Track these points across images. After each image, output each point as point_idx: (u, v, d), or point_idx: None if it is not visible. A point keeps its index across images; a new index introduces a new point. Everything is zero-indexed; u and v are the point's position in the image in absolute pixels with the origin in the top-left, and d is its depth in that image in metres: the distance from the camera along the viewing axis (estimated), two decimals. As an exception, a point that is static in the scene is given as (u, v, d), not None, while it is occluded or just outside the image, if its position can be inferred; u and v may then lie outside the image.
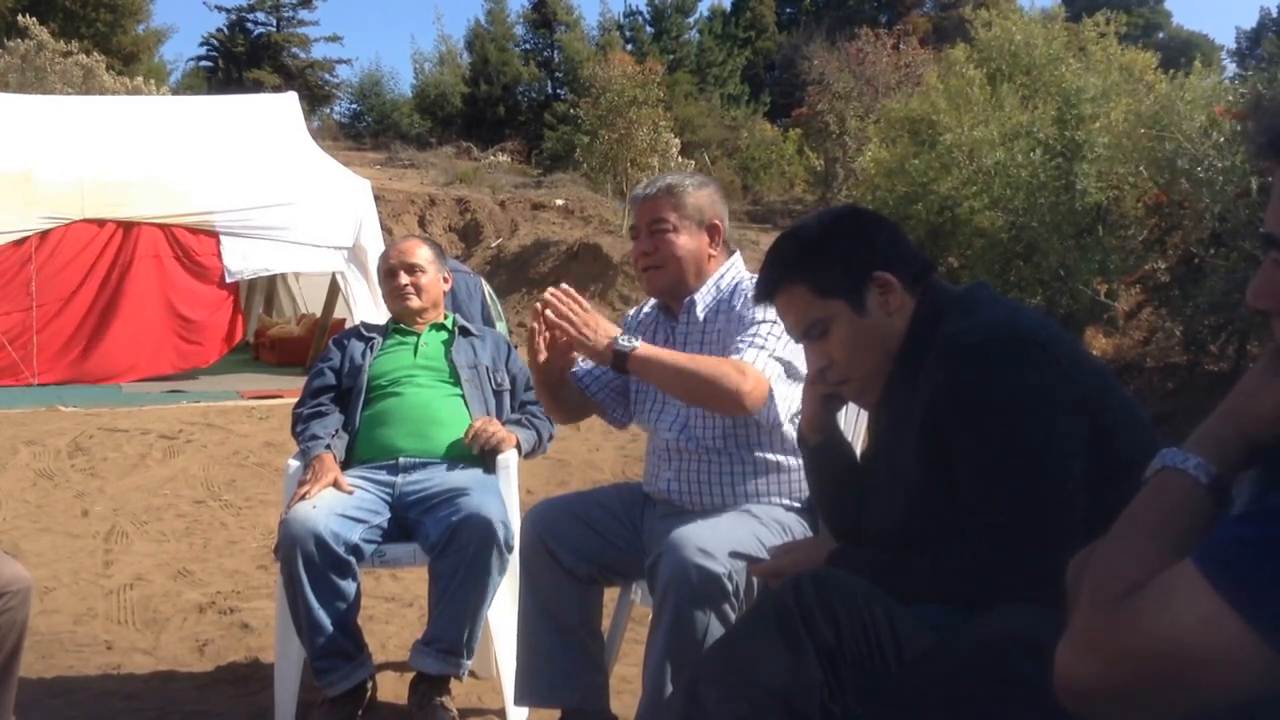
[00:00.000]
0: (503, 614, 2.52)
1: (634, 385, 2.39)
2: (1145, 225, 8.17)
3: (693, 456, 2.22)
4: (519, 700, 2.30)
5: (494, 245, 17.87)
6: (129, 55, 26.40)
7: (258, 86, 26.62)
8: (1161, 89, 8.82)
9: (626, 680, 2.62)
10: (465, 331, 2.99)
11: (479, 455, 2.70)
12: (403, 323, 2.98)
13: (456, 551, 2.39)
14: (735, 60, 32.73)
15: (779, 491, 2.18)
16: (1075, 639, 0.94)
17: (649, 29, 33.71)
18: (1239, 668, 0.84)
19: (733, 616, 1.85)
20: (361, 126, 31.50)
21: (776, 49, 33.38)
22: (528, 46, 33.47)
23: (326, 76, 34.96)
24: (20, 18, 20.61)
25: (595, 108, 18.28)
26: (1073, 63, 10.20)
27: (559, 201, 19.30)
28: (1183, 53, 18.68)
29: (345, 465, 2.69)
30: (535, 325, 2.09)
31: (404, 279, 2.92)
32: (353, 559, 2.43)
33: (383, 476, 2.65)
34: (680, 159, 18.35)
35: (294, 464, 2.69)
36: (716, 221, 2.29)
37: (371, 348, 2.92)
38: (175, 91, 24.51)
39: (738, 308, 2.21)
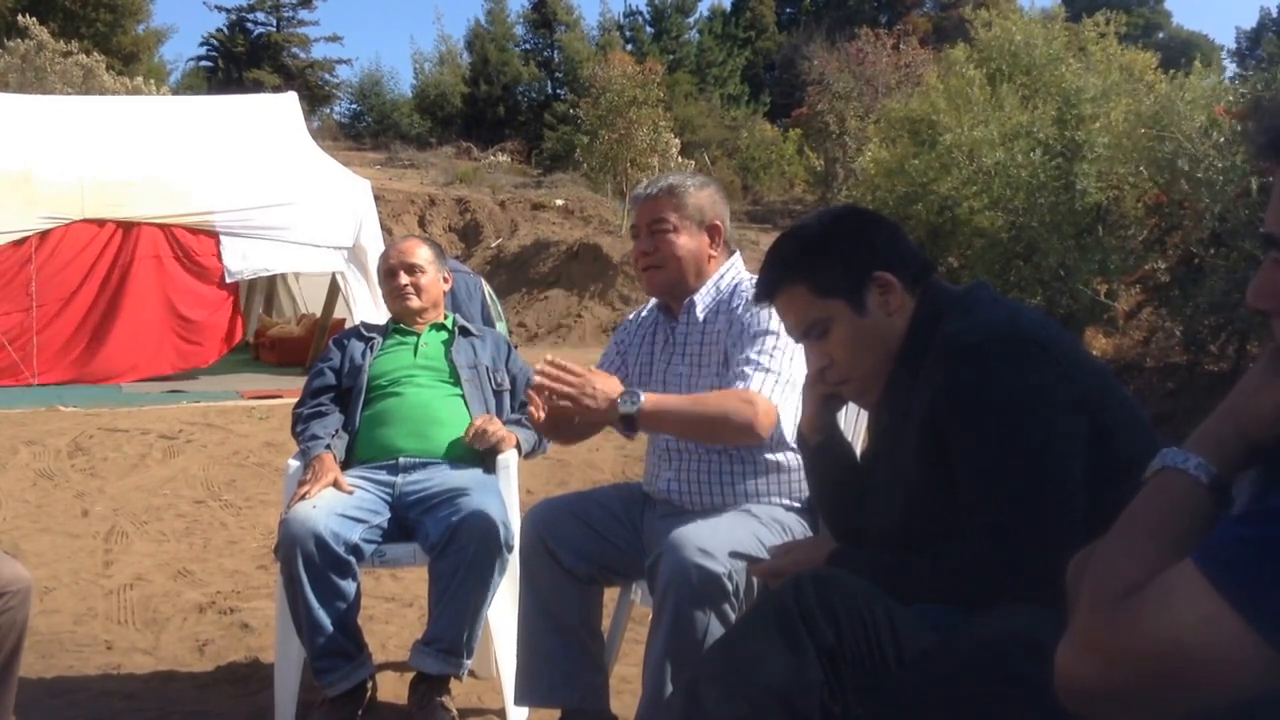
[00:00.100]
0: (503, 614, 2.52)
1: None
2: (1145, 225, 8.17)
3: (692, 456, 2.22)
4: (519, 700, 2.30)
5: (494, 245, 17.87)
6: (129, 55, 26.41)
7: (258, 86, 26.63)
8: (1161, 89, 8.82)
9: (626, 680, 2.62)
10: (465, 331, 2.99)
11: (479, 455, 2.70)
12: (403, 323, 2.98)
13: (456, 551, 2.39)
14: (735, 60, 32.74)
15: (779, 491, 2.17)
16: (1075, 639, 0.94)
17: (649, 29, 33.72)
18: (1239, 668, 0.84)
19: (733, 616, 1.85)
20: (361, 126, 31.52)
21: (776, 49, 33.39)
22: (528, 46, 33.48)
23: (326, 76, 34.99)
24: (20, 18, 20.62)
25: (595, 108, 18.30)
26: (1073, 63, 10.21)
27: (559, 201, 19.30)
28: (1183, 53, 18.69)
29: (345, 465, 2.69)
30: (532, 395, 2.06)
31: (404, 279, 2.92)
32: (353, 559, 2.42)
33: (383, 476, 2.65)
34: (680, 159, 18.37)
35: (294, 464, 2.69)
36: (717, 222, 2.29)
37: (371, 348, 2.92)
38: (175, 91, 24.51)
39: (738, 309, 2.21)
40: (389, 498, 2.61)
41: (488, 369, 2.90)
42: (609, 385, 2.03)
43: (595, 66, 21.39)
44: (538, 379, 2.02)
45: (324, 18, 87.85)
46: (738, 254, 2.37)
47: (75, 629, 3.22)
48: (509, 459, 2.70)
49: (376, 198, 10.95)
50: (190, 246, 9.27)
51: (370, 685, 2.55)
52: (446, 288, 3.06)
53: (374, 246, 9.22)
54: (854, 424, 2.25)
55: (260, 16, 34.43)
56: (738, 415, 2.02)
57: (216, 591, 3.61)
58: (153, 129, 10.23)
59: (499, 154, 25.77)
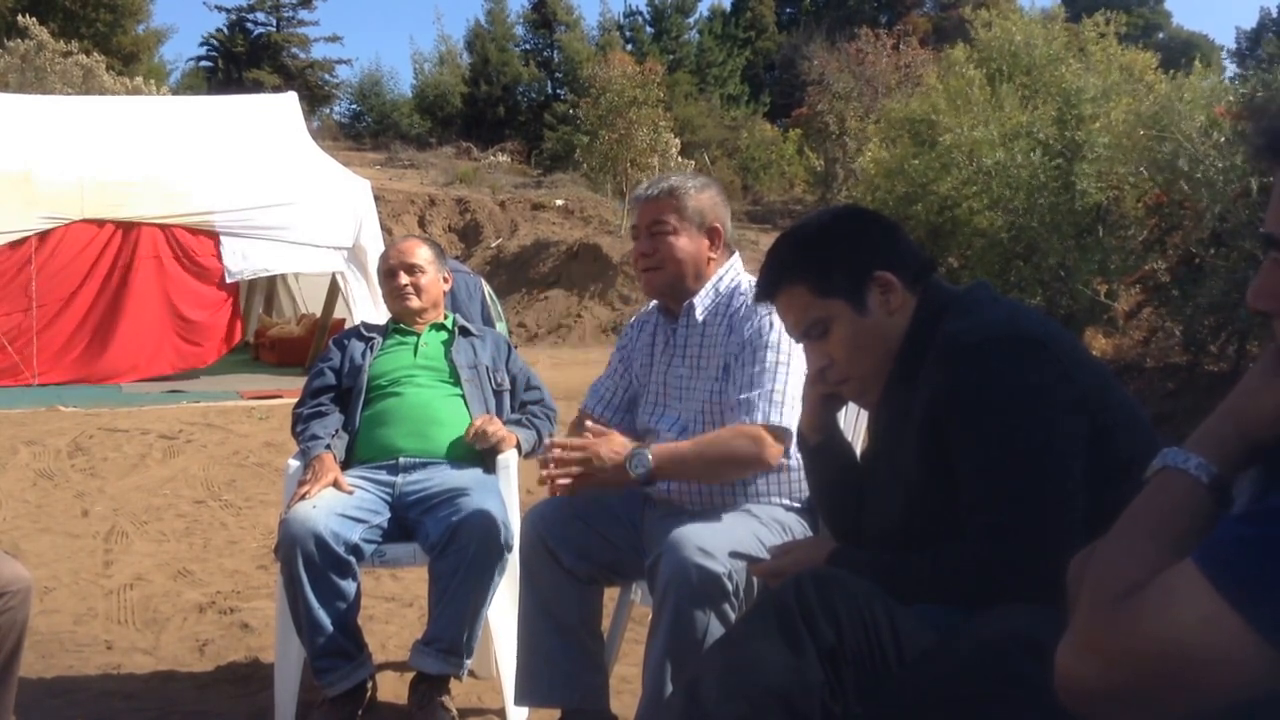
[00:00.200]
0: (503, 614, 2.52)
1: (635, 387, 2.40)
2: (1145, 225, 8.17)
3: (692, 457, 2.22)
4: (519, 700, 2.30)
5: (494, 245, 17.88)
6: (129, 55, 26.42)
7: (258, 86, 26.64)
8: (1161, 89, 8.82)
9: (626, 680, 2.62)
10: (465, 331, 2.99)
11: (479, 455, 2.70)
12: (403, 323, 2.98)
13: (456, 551, 2.39)
14: (735, 60, 32.74)
15: (779, 491, 2.17)
16: (1076, 639, 0.94)
17: (649, 29, 33.73)
18: (1239, 668, 0.84)
19: (733, 616, 1.85)
20: (361, 127, 31.52)
21: (776, 49, 33.40)
22: (528, 46, 33.49)
23: (326, 77, 35.00)
24: (20, 18, 20.63)
25: (595, 108, 18.30)
26: (1073, 63, 10.21)
27: (559, 201, 19.31)
28: (1183, 53, 18.67)
29: (345, 465, 2.69)
30: (547, 477, 2.09)
31: (404, 279, 2.92)
32: (353, 559, 2.42)
33: (383, 476, 2.65)
34: (680, 159, 18.38)
35: (294, 464, 2.69)
36: (717, 225, 2.28)
37: (371, 348, 2.92)
38: (175, 91, 24.51)
39: (739, 310, 2.21)
40: (389, 498, 2.61)
41: (488, 369, 2.90)
42: (613, 447, 2.06)
43: (595, 67, 21.40)
44: (545, 472, 2.06)
45: (324, 18, 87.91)
46: (737, 255, 2.37)
47: (75, 629, 3.22)
48: (509, 459, 2.70)
49: (376, 198, 10.96)
50: (190, 247, 9.27)
51: (370, 685, 2.55)
52: (446, 288, 3.06)
53: (374, 247, 9.22)
54: (854, 424, 2.25)
55: (260, 16, 34.46)
56: (744, 452, 2.06)
57: (216, 591, 3.61)
58: (153, 129, 10.24)
59: (499, 154, 25.78)
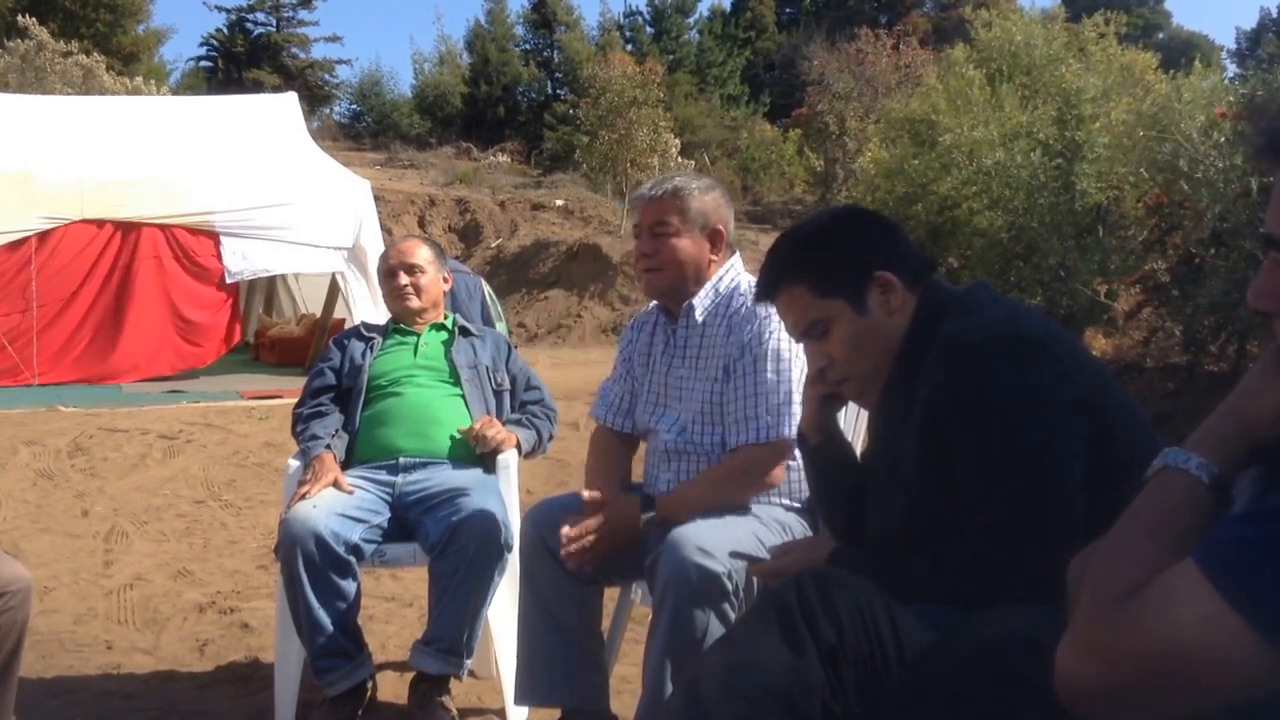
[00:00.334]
0: (503, 614, 2.52)
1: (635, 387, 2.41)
2: (1145, 225, 8.16)
3: (691, 458, 2.22)
4: (519, 700, 2.30)
5: (494, 245, 17.87)
6: (129, 55, 26.41)
7: (257, 87, 26.63)
8: (1161, 89, 8.82)
9: (626, 680, 2.62)
10: (465, 331, 2.99)
11: (479, 455, 2.70)
12: (403, 323, 2.98)
13: (456, 551, 2.39)
14: (735, 60, 32.73)
15: (779, 491, 2.17)
16: (1076, 639, 0.94)
17: (649, 29, 33.71)
18: (1239, 668, 0.84)
19: (732, 615, 1.85)
20: (361, 127, 31.51)
21: (776, 49, 33.39)
22: (528, 47, 33.47)
23: (326, 77, 34.99)
24: (20, 18, 20.62)
25: (595, 108, 18.29)
26: (1073, 63, 10.21)
27: (559, 202, 19.30)
28: (1183, 53, 18.67)
29: (345, 465, 2.69)
30: (568, 560, 2.11)
31: (404, 279, 2.92)
32: (353, 559, 2.43)
33: (383, 476, 2.65)
34: (680, 159, 18.37)
35: (294, 464, 2.69)
36: (720, 227, 2.28)
37: (371, 348, 2.92)
38: (175, 92, 24.50)
39: (740, 309, 2.22)
40: (389, 498, 2.61)
41: (488, 369, 2.90)
42: (623, 519, 2.09)
43: (595, 67, 21.38)
44: (571, 563, 2.10)
45: (324, 18, 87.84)
46: (737, 254, 2.37)
47: (75, 629, 3.22)
48: (509, 459, 2.70)
49: (376, 198, 10.95)
50: (190, 247, 9.27)
51: (370, 685, 2.55)
52: (446, 288, 3.06)
53: (374, 247, 9.22)
54: (854, 424, 2.25)
55: (260, 17, 34.44)
56: (746, 479, 2.11)
57: (216, 591, 3.61)
58: (153, 129, 10.23)
59: (499, 154, 25.77)
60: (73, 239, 8.94)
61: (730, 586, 1.85)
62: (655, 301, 2.39)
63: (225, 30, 34.33)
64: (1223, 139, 6.75)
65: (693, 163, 19.82)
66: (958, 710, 1.16)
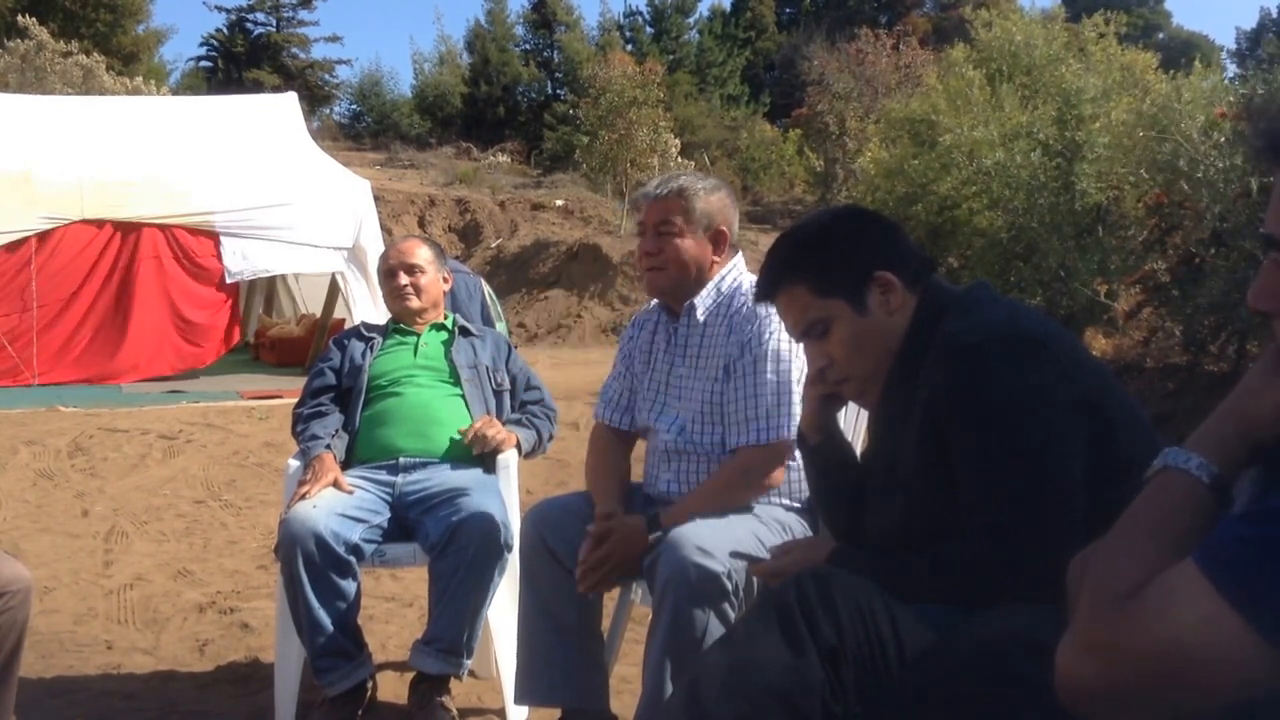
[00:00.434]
0: (503, 614, 2.52)
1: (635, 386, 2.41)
2: (1145, 225, 8.16)
3: (691, 458, 2.22)
4: (519, 700, 2.30)
5: (494, 245, 17.87)
6: (129, 55, 26.40)
7: (257, 87, 26.62)
8: (1161, 89, 8.82)
9: (626, 680, 2.62)
10: (465, 331, 2.99)
11: (479, 455, 2.70)
12: (403, 323, 2.98)
13: (456, 551, 2.39)
14: (735, 60, 32.72)
15: (779, 491, 2.17)
16: (1076, 639, 0.94)
17: (649, 29, 33.70)
18: (1239, 668, 0.84)
19: (731, 615, 1.85)
20: (361, 127, 31.50)
21: (776, 49, 33.38)
22: (528, 47, 33.46)
23: (326, 77, 34.98)
24: (20, 18, 20.62)
25: (595, 108, 18.29)
26: (1073, 63, 10.21)
27: (559, 202, 19.30)
28: (1183, 53, 18.67)
29: (345, 465, 2.69)
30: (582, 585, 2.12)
31: (404, 279, 2.92)
32: (353, 559, 2.43)
33: (383, 476, 2.65)
34: (680, 159, 18.36)
35: (294, 464, 2.69)
36: (724, 228, 2.29)
37: (371, 348, 2.92)
38: (175, 92, 24.50)
39: (741, 309, 2.22)
40: (389, 498, 2.61)
41: (488, 369, 2.90)
42: (631, 544, 2.07)
43: (595, 67, 21.38)
44: (582, 587, 2.10)
45: (324, 18, 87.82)
46: (740, 254, 2.37)
47: (75, 629, 3.22)
48: (509, 459, 2.70)
49: (376, 198, 10.95)
50: (190, 247, 9.27)
51: (370, 685, 2.55)
52: (446, 288, 3.06)
53: (374, 247, 9.21)
54: (854, 424, 2.25)
55: (260, 17, 34.43)
56: (746, 481, 2.11)
57: (216, 591, 3.61)
58: (153, 129, 10.23)
59: (499, 154, 25.76)
60: (73, 239, 8.94)
61: (729, 586, 1.85)
62: (656, 300, 2.39)
63: (225, 30, 34.35)
64: (1223, 139, 6.75)
65: (692, 163, 19.82)
66: (958, 710, 1.16)
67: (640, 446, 2.43)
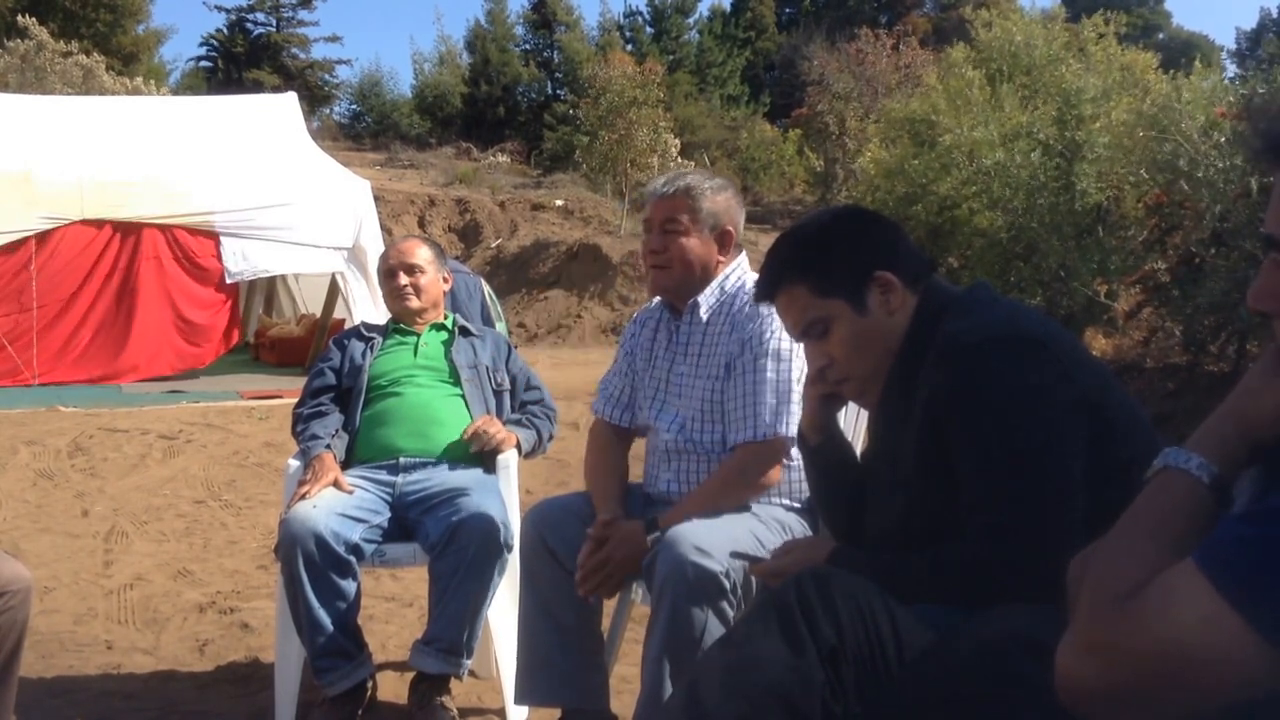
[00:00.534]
0: (503, 614, 2.52)
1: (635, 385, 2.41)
2: (1145, 225, 8.17)
3: (691, 457, 2.22)
4: (519, 700, 2.30)
5: (494, 246, 17.87)
6: (129, 55, 26.40)
7: (257, 87, 26.62)
8: (1161, 89, 8.82)
9: (626, 680, 2.62)
10: (465, 331, 2.99)
11: (479, 455, 2.70)
12: (403, 323, 2.98)
13: (456, 551, 2.39)
14: (735, 60, 32.72)
15: (779, 491, 2.17)
16: (1076, 639, 0.94)
17: (649, 29, 33.70)
18: (1239, 668, 0.84)
19: (730, 614, 1.85)
20: (361, 127, 31.50)
21: (776, 49, 33.38)
22: (528, 47, 33.46)
23: (326, 77, 34.98)
24: (20, 18, 20.63)
25: (595, 108, 18.30)
26: (1073, 63, 10.20)
27: (559, 202, 19.30)
28: (1183, 53, 18.65)
29: (345, 465, 2.69)
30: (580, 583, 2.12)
31: (404, 279, 2.92)
32: (353, 559, 2.43)
33: (383, 476, 2.65)
34: (680, 159, 18.36)
35: (294, 464, 2.69)
36: (729, 228, 2.29)
37: (371, 348, 2.92)
38: (175, 92, 24.51)
39: (742, 309, 2.22)
40: (389, 497, 2.61)
41: (488, 369, 2.90)
42: (631, 548, 2.06)
43: (595, 67, 21.39)
44: (581, 592, 2.10)
45: (324, 18, 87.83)
46: (743, 254, 2.37)
47: (75, 629, 3.22)
48: (509, 459, 2.70)
49: (376, 198, 10.95)
50: (190, 247, 9.27)
51: (370, 685, 2.55)
52: (446, 288, 3.06)
53: (374, 247, 9.21)
54: (854, 424, 2.25)
55: (260, 17, 34.43)
56: (744, 479, 2.11)
57: (216, 591, 3.61)
58: (152, 129, 10.23)
59: (499, 154, 25.76)
60: (73, 239, 8.94)
61: (728, 585, 1.85)
62: (659, 298, 2.39)
63: (225, 30, 34.35)
64: (1223, 139, 6.75)
65: (692, 163, 19.81)
66: (958, 710, 1.16)
67: (640, 445, 2.43)
